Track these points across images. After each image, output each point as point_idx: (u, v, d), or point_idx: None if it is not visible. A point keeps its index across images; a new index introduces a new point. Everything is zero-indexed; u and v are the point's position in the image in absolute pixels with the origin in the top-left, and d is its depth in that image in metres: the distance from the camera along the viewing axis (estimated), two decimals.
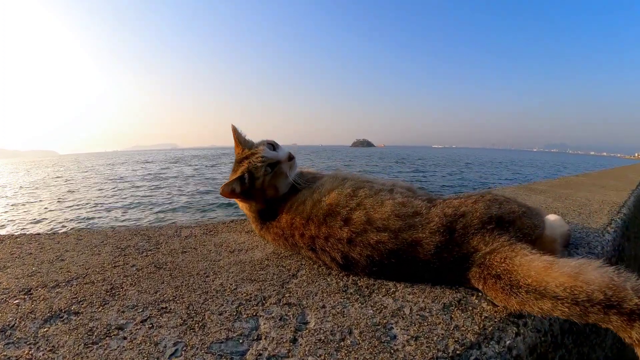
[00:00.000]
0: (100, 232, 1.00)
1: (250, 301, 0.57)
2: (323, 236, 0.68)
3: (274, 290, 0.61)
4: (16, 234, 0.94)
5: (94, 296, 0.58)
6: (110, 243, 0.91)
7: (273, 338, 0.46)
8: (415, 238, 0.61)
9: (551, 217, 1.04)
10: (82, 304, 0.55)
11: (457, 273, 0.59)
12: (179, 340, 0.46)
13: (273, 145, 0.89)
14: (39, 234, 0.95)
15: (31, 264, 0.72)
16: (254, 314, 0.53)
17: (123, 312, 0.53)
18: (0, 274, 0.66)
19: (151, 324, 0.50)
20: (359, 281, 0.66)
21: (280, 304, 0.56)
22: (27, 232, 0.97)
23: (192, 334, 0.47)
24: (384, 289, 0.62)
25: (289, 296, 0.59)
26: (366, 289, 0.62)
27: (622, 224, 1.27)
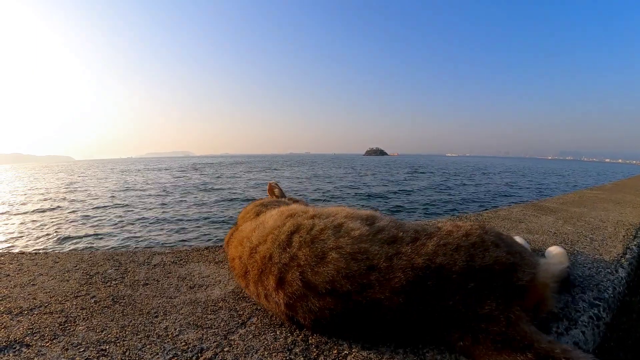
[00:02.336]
0: (77, 255, 1.19)
1: (185, 352, 0.66)
2: (262, 294, 0.71)
3: (214, 342, 0.70)
4: (2, 251, 1.16)
5: (47, 329, 0.72)
6: (82, 268, 1.08)
7: None
8: (372, 299, 0.59)
9: (552, 251, 1.06)
10: (35, 337, 0.69)
11: (429, 333, 0.61)
12: None
13: None
14: (22, 252, 1.16)
15: (4, 286, 0.91)
16: None
17: (67, 349, 0.66)
18: None
19: None
20: (310, 338, 0.70)
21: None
22: (14, 250, 1.17)
23: None
24: (335, 351, 0.65)
25: (227, 351, 0.67)
26: (315, 350, 0.66)
27: (639, 252, 1.23)
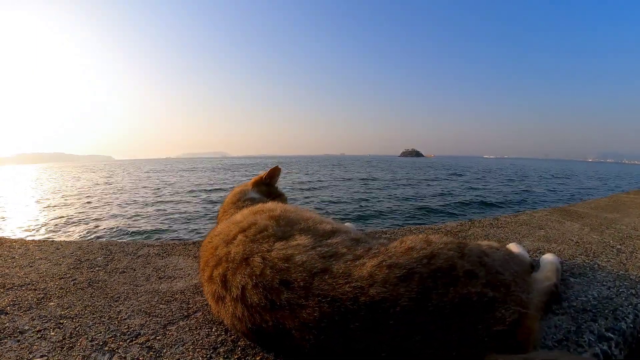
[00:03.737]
0: (77, 244, 1.44)
1: (124, 335, 0.78)
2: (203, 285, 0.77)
3: (152, 329, 0.81)
4: (15, 238, 1.45)
5: (26, 302, 0.91)
6: (76, 255, 1.30)
7: None
8: (281, 325, 0.56)
9: (543, 259, 1.03)
10: (14, 307, 0.88)
11: None
12: (45, 355, 0.70)
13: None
14: (33, 240, 1.44)
15: (7, 266, 1.16)
16: (115, 348, 0.73)
17: (34, 319, 0.83)
18: None
19: (42, 335, 0.77)
20: (240, 340, 0.74)
21: (145, 345, 0.74)
22: (29, 238, 1.47)
23: (59, 352, 0.71)
24: (259, 358, 0.67)
25: (159, 339, 0.77)
26: (239, 352, 0.69)
27: None
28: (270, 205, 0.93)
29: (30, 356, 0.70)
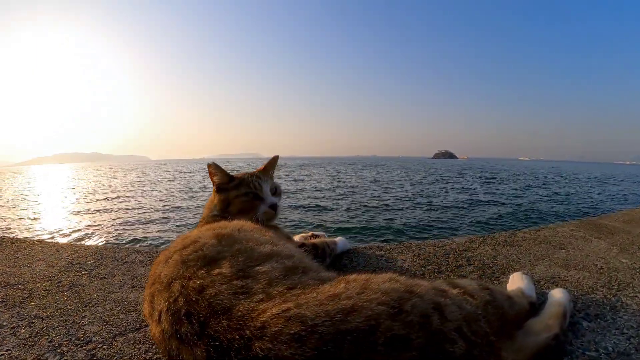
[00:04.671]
0: (74, 247, 1.67)
1: (77, 340, 0.92)
2: None
3: (102, 338, 0.93)
4: (24, 238, 1.71)
5: (12, 300, 1.11)
6: (70, 258, 1.51)
7: None
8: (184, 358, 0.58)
9: (551, 295, 0.94)
10: (1, 304, 1.08)
11: None
12: (9, 350, 0.85)
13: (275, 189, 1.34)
14: (40, 241, 1.69)
15: (8, 265, 1.39)
16: (66, 351, 0.87)
17: (12, 316, 1.01)
18: None
19: (14, 332, 0.94)
20: None
21: (90, 352, 0.87)
22: (36, 238, 1.73)
23: (20, 349, 0.87)
24: None
25: (105, 349, 0.88)
26: None
27: None
28: (227, 223, 0.99)
29: None
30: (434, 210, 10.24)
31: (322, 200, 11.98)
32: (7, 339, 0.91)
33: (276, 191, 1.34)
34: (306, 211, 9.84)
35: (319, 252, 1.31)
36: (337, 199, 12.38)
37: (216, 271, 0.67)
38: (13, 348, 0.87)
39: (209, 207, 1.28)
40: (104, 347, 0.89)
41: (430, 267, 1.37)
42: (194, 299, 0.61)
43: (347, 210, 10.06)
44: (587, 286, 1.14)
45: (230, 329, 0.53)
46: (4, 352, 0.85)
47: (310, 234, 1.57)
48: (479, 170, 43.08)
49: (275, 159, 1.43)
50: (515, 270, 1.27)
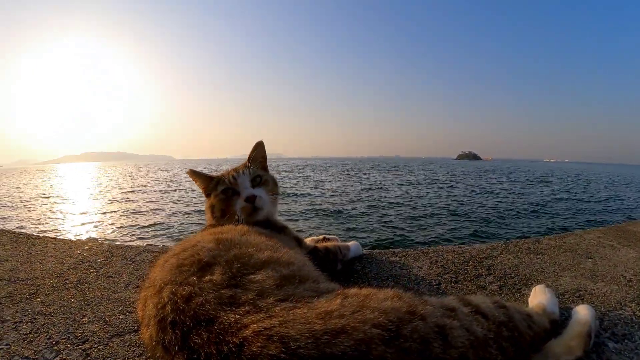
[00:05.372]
0: (86, 244, 1.70)
1: (76, 338, 0.92)
2: None
3: (100, 338, 0.93)
4: (40, 235, 1.78)
5: (19, 296, 1.14)
6: (80, 255, 1.55)
7: None
8: None
9: (576, 312, 0.89)
10: (8, 299, 1.11)
11: None
12: (9, 344, 0.87)
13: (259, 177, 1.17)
14: (54, 238, 1.75)
15: (21, 261, 1.44)
16: (62, 349, 0.87)
17: (17, 312, 1.03)
18: None
19: (16, 327, 0.96)
20: None
21: (85, 352, 0.86)
22: (49, 235, 1.79)
23: (19, 344, 0.87)
24: None
25: (100, 349, 0.88)
26: None
27: None
28: (231, 227, 0.95)
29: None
30: (459, 214, 9.96)
31: (343, 204, 11.90)
32: (9, 333, 0.92)
33: (260, 181, 1.16)
34: (327, 215, 9.82)
35: (330, 256, 1.26)
36: (359, 202, 12.25)
37: (207, 278, 0.65)
38: (12, 343, 0.88)
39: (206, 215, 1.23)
40: (99, 347, 0.88)
41: (447, 275, 1.30)
42: (180, 307, 0.59)
43: (368, 213, 9.95)
44: (615, 301, 1.06)
45: (209, 342, 0.51)
46: (3, 347, 0.87)
47: (322, 237, 1.53)
48: (507, 171, 42.13)
49: (258, 146, 1.23)
50: (538, 282, 1.19)
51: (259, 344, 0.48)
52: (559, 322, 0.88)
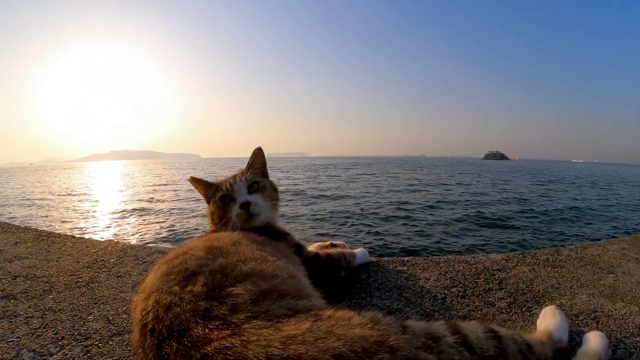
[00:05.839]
0: (102, 244, 1.79)
1: (80, 335, 0.97)
2: None
3: (101, 336, 0.97)
4: (60, 233, 1.89)
5: (34, 291, 1.21)
6: (96, 255, 1.64)
7: None
8: None
9: (587, 339, 0.83)
10: (24, 294, 1.19)
11: None
12: (19, 337, 0.92)
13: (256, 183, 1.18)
14: (73, 236, 1.85)
15: (40, 258, 1.53)
16: (66, 345, 0.92)
17: (30, 307, 1.10)
18: (17, 262, 1.48)
19: (27, 321, 1.02)
20: None
21: (86, 349, 0.91)
22: (66, 234, 1.89)
23: (29, 338, 0.93)
24: None
25: (100, 347, 0.92)
26: None
27: None
28: (225, 234, 0.97)
29: (11, 335, 0.94)
30: (488, 218, 9.56)
31: (368, 206, 11.74)
32: (20, 327, 0.99)
33: (257, 187, 1.17)
34: (350, 216, 9.74)
35: (332, 263, 1.25)
36: (385, 204, 12.07)
37: (189, 288, 0.67)
38: (23, 336, 0.94)
39: (208, 221, 1.23)
40: (99, 344, 0.92)
41: (454, 289, 1.24)
42: (160, 315, 0.62)
43: (394, 216, 9.77)
44: (634, 325, 0.97)
45: (177, 353, 0.53)
46: (13, 339, 0.93)
47: (328, 242, 1.51)
48: (538, 173, 40.18)
49: (256, 152, 1.23)
50: (552, 299, 1.12)
51: None
52: (567, 349, 0.82)
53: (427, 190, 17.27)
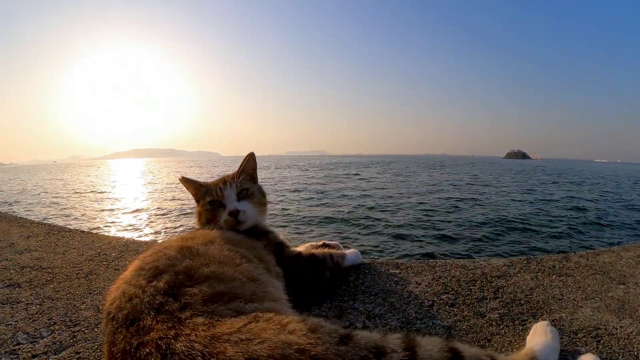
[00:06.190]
0: (107, 239, 1.89)
1: (70, 322, 1.04)
2: None
3: (89, 324, 1.05)
4: (71, 228, 2.00)
5: (38, 281, 1.31)
6: (100, 249, 1.74)
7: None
8: None
9: None
10: (28, 284, 1.29)
11: None
12: (17, 321, 1.00)
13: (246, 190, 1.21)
14: (81, 231, 1.96)
15: (48, 251, 1.64)
16: (56, 329, 1.00)
17: (32, 295, 1.19)
18: (27, 254, 1.60)
19: (26, 307, 1.11)
20: None
21: (73, 334, 0.99)
22: (80, 229, 2.00)
23: (25, 322, 1.01)
24: None
25: (86, 332, 1.00)
26: None
27: None
28: (202, 233, 1.01)
29: (10, 319, 1.04)
30: (511, 220, 9.26)
31: (387, 206, 11.63)
32: (19, 312, 1.08)
33: (246, 194, 1.20)
34: (369, 218, 9.65)
35: (315, 263, 1.25)
36: (406, 205, 11.93)
37: (153, 283, 0.72)
38: (20, 320, 1.04)
39: (195, 220, 1.27)
40: (86, 331, 0.99)
41: (445, 296, 1.18)
42: (122, 305, 0.67)
43: (414, 218, 9.63)
44: (639, 348, 0.88)
45: (124, 339, 0.59)
46: (12, 323, 1.02)
47: (321, 242, 1.51)
48: (563, 173, 38.84)
49: (248, 157, 1.26)
50: (551, 312, 1.05)
51: (147, 350, 0.55)
52: None
53: (452, 189, 17.01)
